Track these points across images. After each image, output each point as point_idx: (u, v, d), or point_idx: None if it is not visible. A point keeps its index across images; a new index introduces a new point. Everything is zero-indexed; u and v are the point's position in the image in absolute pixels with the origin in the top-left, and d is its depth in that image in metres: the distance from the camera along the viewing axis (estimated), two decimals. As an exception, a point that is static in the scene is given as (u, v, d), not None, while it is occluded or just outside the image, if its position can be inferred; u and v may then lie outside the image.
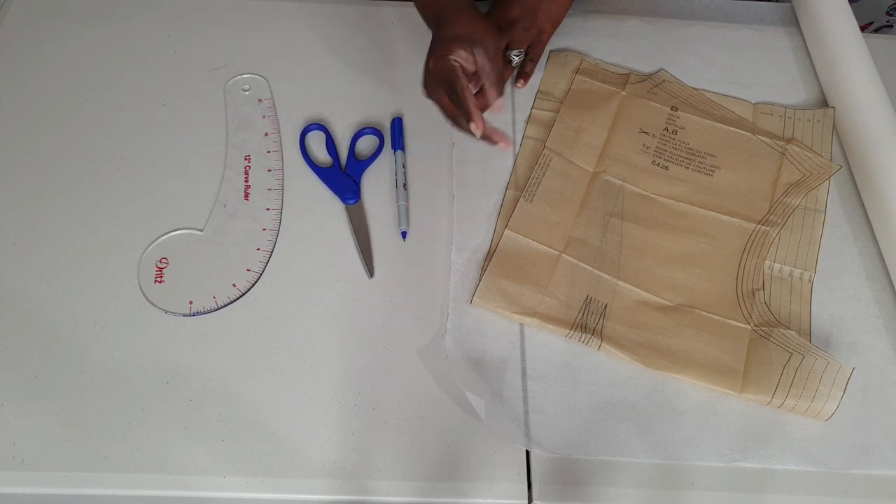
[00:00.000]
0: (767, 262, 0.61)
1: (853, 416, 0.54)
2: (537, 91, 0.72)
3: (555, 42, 0.76)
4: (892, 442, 0.53)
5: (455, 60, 0.56)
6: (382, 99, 0.70)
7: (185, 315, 0.56)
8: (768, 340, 0.55)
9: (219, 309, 0.56)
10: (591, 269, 0.59)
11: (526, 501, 0.50)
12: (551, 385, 0.54)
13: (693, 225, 0.63)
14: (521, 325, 0.57)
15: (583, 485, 0.50)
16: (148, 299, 0.56)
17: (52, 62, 0.70)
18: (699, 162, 0.67)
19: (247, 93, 0.70)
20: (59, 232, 0.59)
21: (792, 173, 0.66)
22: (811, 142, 0.69)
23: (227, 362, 0.54)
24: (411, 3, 0.70)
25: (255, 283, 0.58)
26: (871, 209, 0.64)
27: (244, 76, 0.71)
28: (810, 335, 0.57)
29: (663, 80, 0.73)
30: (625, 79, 0.73)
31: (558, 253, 0.60)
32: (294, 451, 0.50)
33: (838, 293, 0.60)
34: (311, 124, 0.67)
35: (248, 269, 0.58)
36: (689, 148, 0.68)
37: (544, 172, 0.64)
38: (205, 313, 0.56)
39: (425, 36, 0.67)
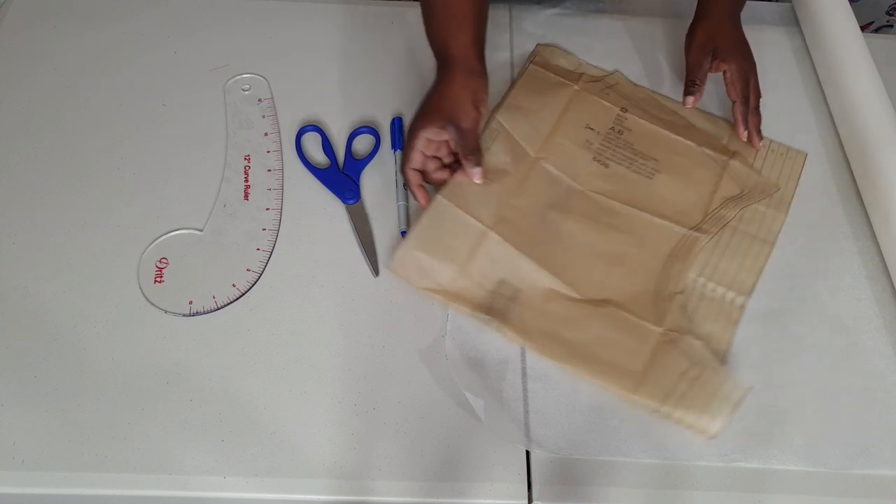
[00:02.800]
0: (701, 280, 0.59)
1: (853, 416, 0.54)
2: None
3: (552, 39, 0.76)
4: (892, 442, 0.53)
5: (426, 137, 0.60)
6: (380, 98, 0.70)
7: (185, 315, 0.56)
8: (674, 346, 0.55)
9: (219, 309, 0.56)
10: (514, 250, 0.59)
11: (526, 501, 0.50)
12: (551, 385, 0.54)
13: (622, 223, 0.62)
14: (521, 325, 0.57)
15: (583, 485, 0.50)
16: (148, 299, 0.56)
17: (52, 62, 0.70)
18: (641, 163, 0.66)
19: (246, 93, 0.70)
20: (59, 232, 0.59)
21: (731, 188, 0.65)
22: (778, 175, 0.67)
23: (227, 362, 0.54)
24: (410, 3, 0.70)
25: (255, 283, 0.58)
26: (871, 209, 0.64)
27: (244, 76, 0.71)
28: (726, 356, 0.56)
29: (616, 83, 0.73)
30: (577, 76, 0.72)
31: (486, 228, 0.59)
32: (294, 451, 0.50)
33: (838, 293, 0.60)
34: (306, 125, 0.67)
35: (248, 269, 0.58)
36: (633, 148, 0.67)
37: (487, 148, 0.64)
38: (205, 313, 0.56)
39: (424, 35, 0.67)
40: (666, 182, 0.65)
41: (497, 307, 0.56)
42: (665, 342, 0.55)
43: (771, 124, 0.70)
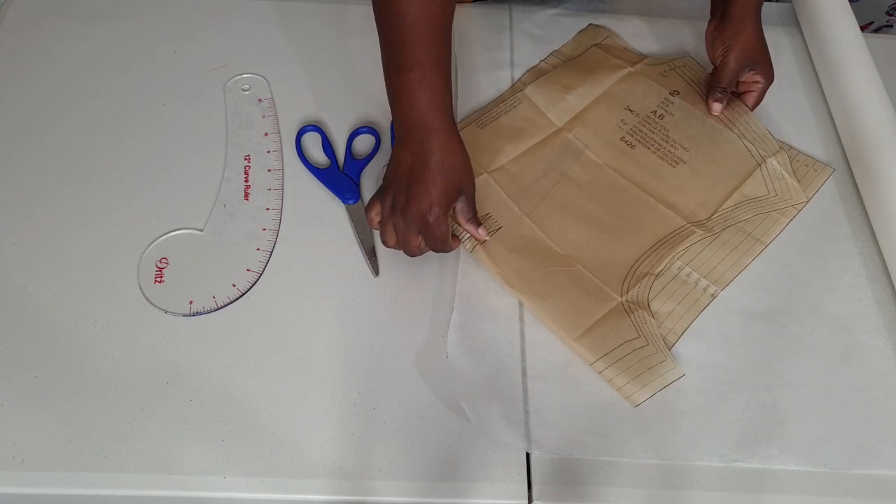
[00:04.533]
0: (678, 263, 0.60)
1: (853, 416, 0.54)
2: (555, 50, 0.75)
3: (552, 39, 0.76)
4: (892, 442, 0.53)
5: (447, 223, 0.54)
6: (380, 98, 0.69)
7: (185, 315, 0.56)
8: (627, 316, 0.56)
9: (219, 309, 0.56)
10: (505, 196, 0.62)
11: (526, 501, 0.50)
12: (551, 385, 0.54)
13: (625, 202, 0.63)
14: (522, 325, 0.57)
15: (583, 485, 0.50)
16: (148, 299, 0.56)
17: (53, 62, 0.70)
18: (669, 150, 0.66)
19: (247, 93, 0.70)
20: (59, 232, 0.59)
21: (757, 188, 0.64)
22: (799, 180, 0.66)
23: (227, 362, 0.54)
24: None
25: (255, 283, 0.58)
26: (872, 209, 0.64)
27: (244, 76, 0.71)
28: (679, 336, 0.56)
29: (683, 65, 0.73)
30: (639, 58, 0.74)
31: (484, 172, 0.63)
32: (294, 451, 0.50)
33: (838, 293, 0.60)
34: (306, 125, 0.67)
35: (248, 269, 0.58)
36: (666, 135, 0.67)
37: (507, 111, 0.68)
38: (205, 313, 0.56)
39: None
40: (687, 173, 0.65)
41: None
42: (620, 310, 0.56)
43: (771, 125, 0.70)
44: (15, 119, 0.66)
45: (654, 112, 0.69)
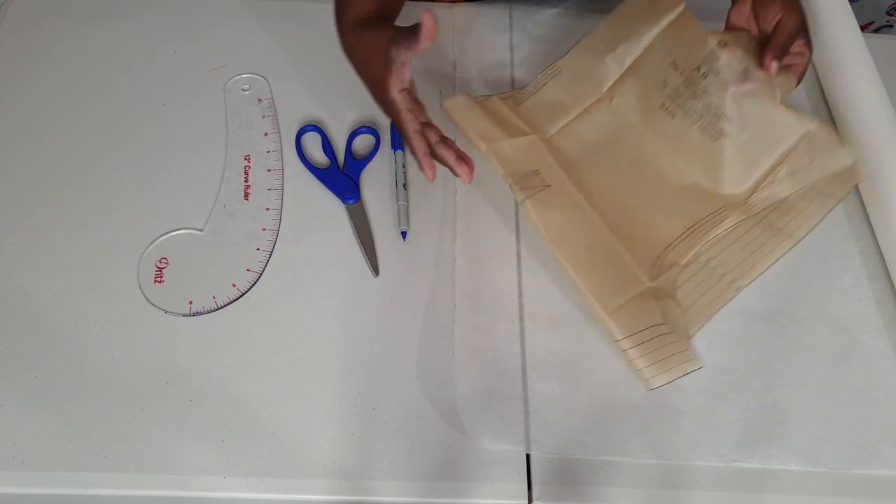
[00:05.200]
0: (704, 257, 0.60)
1: (853, 416, 0.54)
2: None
3: (552, 40, 0.76)
4: (892, 442, 0.53)
5: (396, 95, 0.56)
6: (382, 99, 0.70)
7: (185, 315, 0.56)
8: (655, 301, 0.56)
9: (219, 309, 0.56)
10: (552, 160, 0.62)
11: (526, 501, 0.50)
12: (551, 385, 0.54)
13: (663, 186, 0.63)
14: (521, 325, 0.57)
15: (583, 485, 0.50)
16: (148, 299, 0.56)
17: (53, 62, 0.70)
18: (710, 122, 0.62)
19: (246, 93, 0.70)
20: (59, 232, 0.59)
21: (802, 160, 0.61)
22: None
23: (227, 362, 0.54)
24: (410, 4, 0.70)
25: (255, 283, 0.58)
26: (872, 209, 0.64)
27: (244, 76, 0.71)
28: (697, 330, 0.57)
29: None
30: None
31: (532, 134, 0.63)
32: (294, 451, 0.50)
33: (838, 293, 0.60)
34: (306, 125, 0.67)
35: (248, 269, 0.58)
36: (708, 101, 0.62)
37: (545, 83, 0.67)
38: (205, 313, 0.56)
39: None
40: (728, 148, 0.62)
41: (528, 185, 0.58)
42: (649, 293, 0.56)
43: (771, 124, 0.70)
44: (15, 119, 0.66)
45: (698, 69, 0.62)
